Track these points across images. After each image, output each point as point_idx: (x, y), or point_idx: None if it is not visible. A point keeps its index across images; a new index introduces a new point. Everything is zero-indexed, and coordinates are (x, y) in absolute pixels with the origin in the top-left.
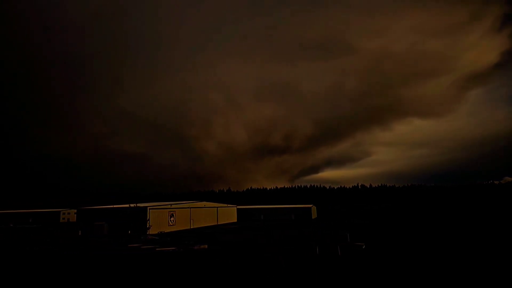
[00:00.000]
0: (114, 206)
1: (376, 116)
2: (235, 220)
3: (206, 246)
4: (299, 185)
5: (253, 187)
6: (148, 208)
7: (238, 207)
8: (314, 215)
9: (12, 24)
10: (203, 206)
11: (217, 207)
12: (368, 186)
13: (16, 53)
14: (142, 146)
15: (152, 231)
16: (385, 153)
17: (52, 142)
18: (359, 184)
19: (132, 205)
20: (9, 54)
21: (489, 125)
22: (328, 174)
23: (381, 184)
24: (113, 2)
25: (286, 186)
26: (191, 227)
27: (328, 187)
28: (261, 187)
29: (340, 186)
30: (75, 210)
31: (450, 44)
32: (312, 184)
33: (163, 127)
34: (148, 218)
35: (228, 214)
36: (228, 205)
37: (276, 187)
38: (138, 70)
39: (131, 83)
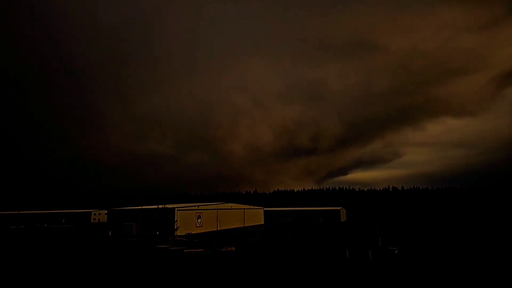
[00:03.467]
0: (143, 207)
1: (407, 115)
2: (262, 222)
3: (233, 248)
4: (328, 187)
5: (280, 189)
6: (176, 209)
7: (265, 209)
8: (343, 218)
9: (47, 28)
10: (230, 207)
11: (244, 208)
12: (400, 189)
13: (50, 56)
14: (169, 148)
15: (179, 232)
16: (417, 153)
17: (83, 145)
18: (390, 186)
19: (160, 206)
20: (43, 58)
21: None
22: (357, 176)
23: (414, 186)
24: (140, 8)
25: (314, 188)
26: (218, 229)
27: (357, 189)
28: (288, 189)
29: (370, 188)
30: (106, 211)
31: (485, 40)
32: (341, 186)
33: (190, 129)
34: (175, 219)
35: (255, 216)
36: (255, 207)
37: (304, 189)
38: (165, 73)
39: (158, 87)
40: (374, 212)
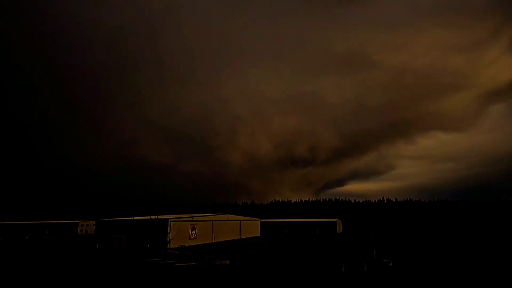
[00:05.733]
0: (134, 218)
1: (399, 129)
2: (259, 234)
3: (228, 262)
4: (324, 198)
5: (277, 200)
6: (169, 220)
7: (261, 220)
8: (339, 229)
9: (39, 38)
10: (226, 219)
11: (240, 220)
12: (394, 200)
13: (44, 65)
14: (166, 156)
15: (172, 244)
16: (409, 166)
17: (76, 151)
18: (385, 198)
19: (153, 217)
20: (37, 66)
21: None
22: (353, 187)
23: (407, 198)
24: (142, 16)
25: (311, 199)
26: (213, 241)
27: (353, 201)
28: (286, 200)
29: (366, 200)
30: (94, 222)
31: (470, 60)
32: (337, 197)
33: (188, 136)
34: (168, 231)
35: (251, 227)
36: (252, 218)
37: (301, 200)
38: (165, 80)
39: (157, 93)
40: (370, 224)
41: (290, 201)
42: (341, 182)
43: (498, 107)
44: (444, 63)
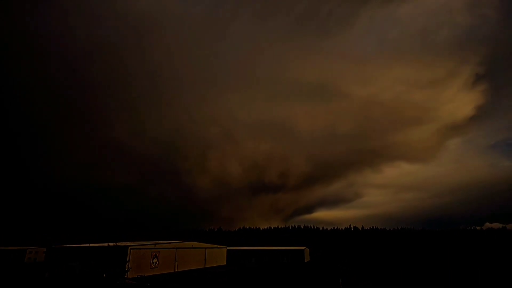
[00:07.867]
0: (90, 244)
1: (367, 158)
2: (224, 263)
3: None
4: (293, 225)
5: (245, 227)
6: (129, 247)
7: (228, 248)
8: (307, 258)
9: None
10: (191, 246)
11: (206, 248)
12: (360, 228)
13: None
14: (129, 179)
15: (130, 274)
16: (376, 195)
17: (32, 171)
18: (352, 226)
19: (111, 244)
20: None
21: (469, 172)
22: (322, 215)
23: (373, 226)
24: (112, 37)
25: (279, 226)
26: (176, 270)
27: (321, 228)
28: (254, 227)
29: (333, 228)
30: (45, 249)
31: (431, 96)
32: (306, 225)
33: (155, 159)
34: (128, 259)
35: (217, 256)
36: (218, 246)
37: (270, 227)
38: (134, 102)
39: (125, 114)
40: (337, 252)
41: (259, 228)
42: (310, 209)
43: (456, 140)
44: (408, 97)
